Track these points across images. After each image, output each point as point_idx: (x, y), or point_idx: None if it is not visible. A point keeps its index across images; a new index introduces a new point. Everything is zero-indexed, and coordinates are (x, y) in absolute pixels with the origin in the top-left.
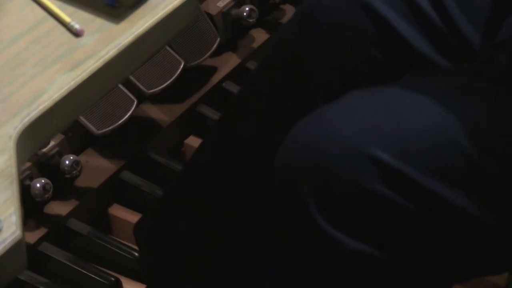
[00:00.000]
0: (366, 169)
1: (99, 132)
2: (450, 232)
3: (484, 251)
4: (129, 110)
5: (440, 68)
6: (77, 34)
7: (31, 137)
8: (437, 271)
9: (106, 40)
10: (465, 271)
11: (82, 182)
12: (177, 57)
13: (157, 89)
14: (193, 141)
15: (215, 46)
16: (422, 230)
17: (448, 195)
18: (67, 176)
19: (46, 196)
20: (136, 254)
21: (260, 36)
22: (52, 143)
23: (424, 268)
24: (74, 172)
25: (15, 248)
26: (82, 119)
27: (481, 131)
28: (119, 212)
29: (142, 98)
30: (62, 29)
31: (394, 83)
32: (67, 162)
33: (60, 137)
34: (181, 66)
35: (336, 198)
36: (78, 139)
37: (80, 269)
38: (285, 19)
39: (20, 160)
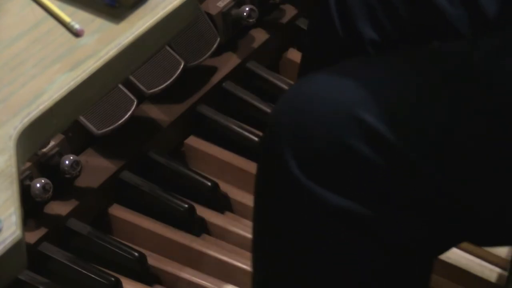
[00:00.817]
0: (350, 128)
1: (99, 132)
2: (423, 196)
3: (461, 220)
4: (129, 110)
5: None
6: (77, 34)
7: (31, 137)
8: (418, 229)
9: (106, 40)
10: (442, 234)
11: (82, 182)
12: (177, 57)
13: (157, 89)
14: (193, 141)
15: (215, 46)
16: (400, 190)
17: (422, 163)
18: (67, 176)
19: (46, 196)
20: (136, 254)
21: (260, 36)
22: (52, 143)
23: (407, 223)
24: (74, 172)
25: (15, 248)
26: (82, 119)
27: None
28: (119, 212)
29: (142, 98)
30: (62, 29)
31: (382, 54)
32: (67, 162)
33: (60, 137)
34: (181, 66)
35: (319, 155)
36: (78, 139)
37: (80, 269)
38: (285, 19)
39: (20, 160)
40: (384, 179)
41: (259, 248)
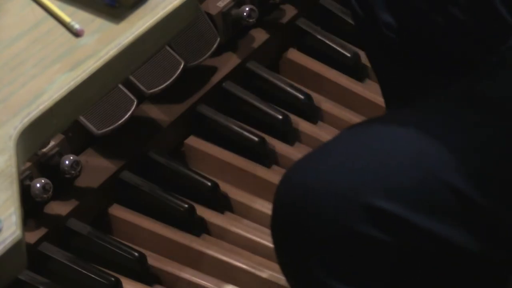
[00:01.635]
0: (353, 213)
1: (99, 132)
2: (446, 267)
3: (479, 283)
4: (129, 110)
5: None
6: (77, 34)
7: (31, 137)
8: None
9: (106, 40)
10: None
11: (82, 182)
12: (177, 57)
13: (157, 89)
14: (193, 141)
15: (215, 46)
16: (416, 266)
17: (439, 230)
18: (67, 176)
19: (46, 196)
20: (136, 254)
21: (260, 36)
22: (52, 143)
23: None
24: (74, 172)
25: (15, 248)
26: (82, 119)
27: (465, 161)
28: (119, 212)
29: (142, 98)
30: (62, 29)
31: (381, 116)
32: (67, 162)
33: (60, 137)
34: (181, 66)
35: (328, 246)
36: (78, 139)
37: (80, 269)
38: (285, 19)
39: (20, 160)
40: (397, 258)
41: None
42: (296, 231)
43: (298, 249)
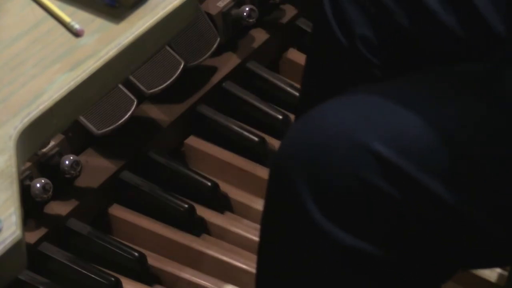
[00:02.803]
0: (366, 162)
1: (99, 132)
2: (443, 228)
3: (477, 247)
4: (129, 110)
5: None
6: (77, 34)
7: (31, 137)
8: (431, 267)
9: (106, 40)
10: (458, 266)
11: (82, 182)
12: (177, 57)
13: (157, 89)
14: (193, 141)
15: (215, 46)
16: (417, 226)
17: (443, 193)
18: (67, 176)
19: (46, 196)
20: (136, 254)
21: (260, 36)
22: (52, 143)
23: (418, 264)
24: (74, 172)
25: (15, 248)
26: (82, 119)
27: (476, 130)
28: (119, 212)
29: (142, 98)
30: (62, 29)
31: (396, 78)
32: (67, 162)
33: (60, 137)
34: (181, 66)
35: (334, 191)
36: (78, 139)
37: (80, 269)
38: (285, 19)
39: (20, 160)
40: (400, 214)
41: (265, 280)
42: (305, 165)
43: (302, 179)
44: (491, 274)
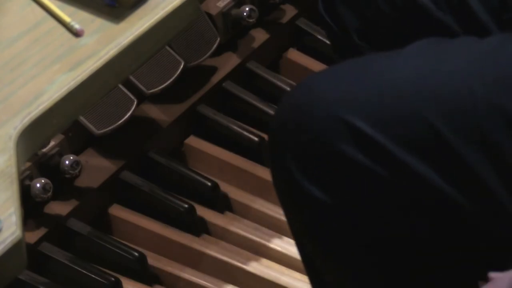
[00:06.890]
0: (341, 132)
1: (99, 132)
2: (412, 198)
3: (448, 223)
4: (129, 110)
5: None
6: (77, 34)
7: (31, 137)
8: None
9: (106, 40)
10: (429, 246)
11: (82, 182)
12: (177, 57)
13: (157, 89)
14: (193, 141)
15: (215, 46)
16: (390, 195)
17: (416, 166)
18: (67, 176)
19: (46, 196)
20: (136, 254)
21: (260, 36)
22: (52, 143)
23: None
24: (74, 172)
25: (15, 248)
26: (82, 119)
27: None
28: (119, 212)
29: (142, 98)
30: (62, 29)
31: (379, 52)
32: (67, 162)
33: (60, 137)
34: (181, 66)
35: (312, 156)
36: (78, 139)
37: (80, 269)
38: (285, 19)
39: (20, 160)
40: (374, 183)
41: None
42: (290, 133)
43: (285, 143)
44: None
